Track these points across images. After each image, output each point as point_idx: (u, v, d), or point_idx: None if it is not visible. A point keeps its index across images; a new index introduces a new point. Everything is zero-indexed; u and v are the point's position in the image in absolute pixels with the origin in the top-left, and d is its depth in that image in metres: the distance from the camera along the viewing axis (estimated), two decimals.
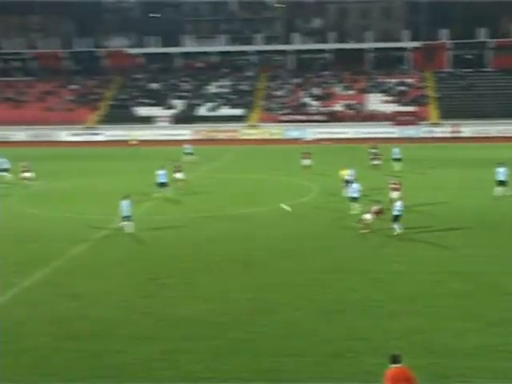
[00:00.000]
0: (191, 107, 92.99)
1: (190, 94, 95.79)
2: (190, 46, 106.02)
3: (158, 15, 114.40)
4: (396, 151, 55.43)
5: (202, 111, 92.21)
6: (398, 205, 32.56)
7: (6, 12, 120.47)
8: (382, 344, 19.00)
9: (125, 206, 33.32)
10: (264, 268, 26.94)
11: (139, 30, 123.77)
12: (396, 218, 32.21)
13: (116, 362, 18.48)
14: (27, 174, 48.57)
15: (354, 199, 37.21)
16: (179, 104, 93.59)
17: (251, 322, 21.17)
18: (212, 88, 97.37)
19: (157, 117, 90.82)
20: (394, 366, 14.55)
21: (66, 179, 51.97)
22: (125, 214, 33.28)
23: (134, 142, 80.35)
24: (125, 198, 33.73)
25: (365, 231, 32.12)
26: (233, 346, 19.41)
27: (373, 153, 56.57)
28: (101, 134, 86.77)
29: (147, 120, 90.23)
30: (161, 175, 43.43)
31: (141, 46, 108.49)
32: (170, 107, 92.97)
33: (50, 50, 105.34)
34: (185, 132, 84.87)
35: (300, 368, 17.93)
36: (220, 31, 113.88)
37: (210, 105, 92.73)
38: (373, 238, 31.29)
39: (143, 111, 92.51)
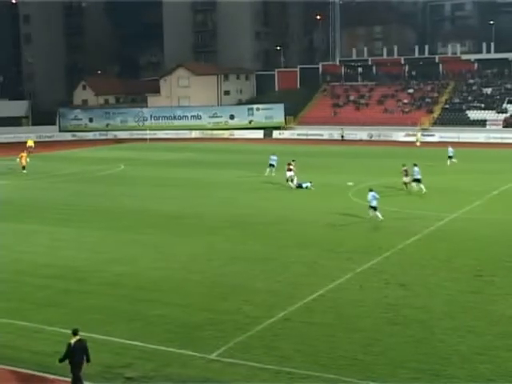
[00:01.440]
0: None
1: None
2: None
3: (493, 22, 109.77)
4: None
5: None
6: None
7: (353, 24, 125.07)
8: None
9: (371, 196, 34.67)
10: None
11: (475, 37, 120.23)
12: None
13: (438, 351, 18.35)
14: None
15: None
16: (511, 108, 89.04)
17: None
18: None
19: (489, 120, 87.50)
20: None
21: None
22: (372, 204, 34.67)
23: (418, 144, 77.53)
24: (370, 189, 35.36)
25: None
26: None
27: None
28: (433, 135, 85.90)
29: (479, 123, 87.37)
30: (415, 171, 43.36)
31: (476, 51, 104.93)
32: (502, 111, 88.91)
33: (390, 57, 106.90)
34: None
35: None
36: None
37: None
38: None
39: (475, 114, 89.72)
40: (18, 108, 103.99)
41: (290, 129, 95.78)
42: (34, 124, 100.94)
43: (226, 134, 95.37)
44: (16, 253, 29.90)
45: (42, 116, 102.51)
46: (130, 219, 37.33)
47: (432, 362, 17.70)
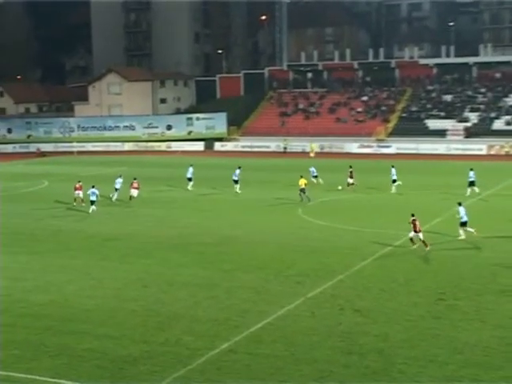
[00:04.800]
0: (486, 120, 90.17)
1: (485, 107, 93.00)
2: (487, 56, 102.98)
3: (452, 24, 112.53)
4: None
5: (499, 125, 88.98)
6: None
7: (302, 25, 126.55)
8: None
9: (462, 211, 35.17)
10: None
11: (433, 40, 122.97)
12: None
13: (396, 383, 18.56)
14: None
15: None
16: (473, 117, 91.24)
17: None
18: (511, 100, 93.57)
19: (449, 130, 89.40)
20: None
21: (351, 192, 53.01)
22: (464, 219, 35.15)
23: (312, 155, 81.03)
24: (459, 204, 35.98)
25: None
26: None
27: None
28: (390, 146, 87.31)
29: (439, 133, 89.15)
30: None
31: (434, 56, 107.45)
32: (464, 120, 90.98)
33: (343, 62, 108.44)
34: (478, 146, 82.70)
35: None
36: None
37: (508, 118, 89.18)
38: None
39: (435, 124, 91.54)
40: None
41: (234, 140, 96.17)
42: None
43: (162, 146, 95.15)
44: None
45: None
46: (55, 242, 36.82)
47: None
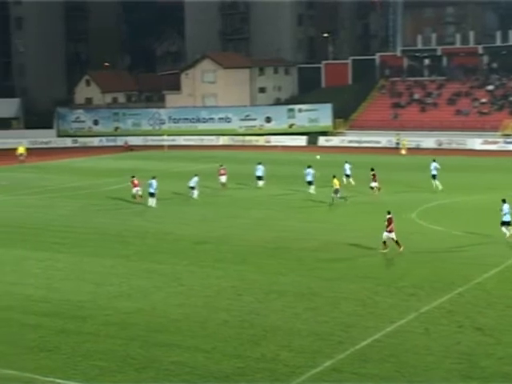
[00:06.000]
0: None
1: None
2: None
3: None
4: None
5: None
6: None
7: (418, 5, 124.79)
8: None
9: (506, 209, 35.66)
10: None
11: None
12: None
13: None
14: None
15: None
16: None
17: None
18: None
19: None
20: None
21: (473, 193, 52.01)
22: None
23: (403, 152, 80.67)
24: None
25: None
26: None
27: None
28: None
29: None
30: None
31: None
32: None
33: (465, 46, 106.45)
34: None
35: None
36: None
37: None
38: None
39: None
40: (7, 107, 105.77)
41: (340, 134, 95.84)
42: (26, 127, 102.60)
43: (260, 140, 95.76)
44: (2, 284, 30.29)
45: (36, 117, 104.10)
46: (142, 244, 37.60)
47: None
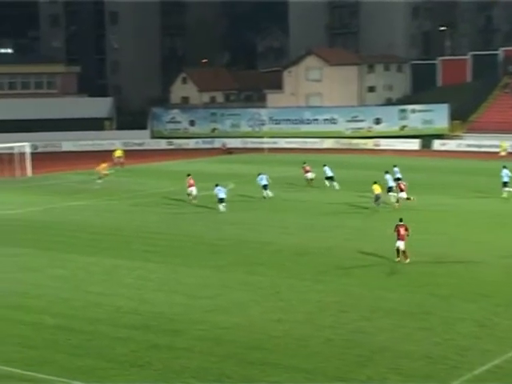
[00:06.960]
0: None
1: None
2: None
3: None
4: None
5: None
6: None
7: None
8: None
9: None
10: None
11: None
12: None
13: None
14: None
15: None
16: None
17: None
18: None
19: None
20: None
21: None
22: None
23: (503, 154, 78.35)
24: None
25: None
26: None
27: None
28: None
29: None
30: None
31: None
32: None
33: None
34: None
35: None
36: None
37: None
38: None
39: None
40: (100, 107, 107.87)
41: (457, 138, 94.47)
42: (119, 128, 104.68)
43: (369, 143, 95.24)
44: (91, 295, 30.91)
45: (129, 118, 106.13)
46: (238, 254, 37.85)
47: None
